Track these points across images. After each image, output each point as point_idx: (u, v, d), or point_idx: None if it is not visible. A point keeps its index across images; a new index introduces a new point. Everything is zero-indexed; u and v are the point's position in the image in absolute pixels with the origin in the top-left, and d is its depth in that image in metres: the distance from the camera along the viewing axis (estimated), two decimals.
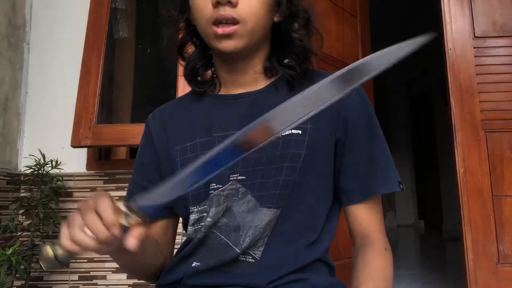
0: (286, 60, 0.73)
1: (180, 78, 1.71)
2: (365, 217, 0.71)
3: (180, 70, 1.71)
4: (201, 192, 0.69)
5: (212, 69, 0.79)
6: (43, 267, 0.54)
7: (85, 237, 0.51)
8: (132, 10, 2.19)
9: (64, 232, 0.52)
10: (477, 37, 1.97)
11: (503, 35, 1.96)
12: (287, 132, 0.67)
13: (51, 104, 2.06)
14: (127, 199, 0.79)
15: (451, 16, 1.99)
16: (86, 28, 1.88)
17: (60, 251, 0.53)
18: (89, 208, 0.51)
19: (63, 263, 0.54)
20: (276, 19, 0.72)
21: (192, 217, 0.70)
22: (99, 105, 1.79)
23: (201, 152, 0.71)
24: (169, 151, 0.75)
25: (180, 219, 0.79)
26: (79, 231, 0.51)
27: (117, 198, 0.57)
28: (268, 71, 0.74)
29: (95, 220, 0.50)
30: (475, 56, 1.95)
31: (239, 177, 0.68)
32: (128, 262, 0.70)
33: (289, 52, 0.73)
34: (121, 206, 0.53)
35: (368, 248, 0.68)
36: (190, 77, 0.77)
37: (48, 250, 0.53)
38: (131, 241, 0.52)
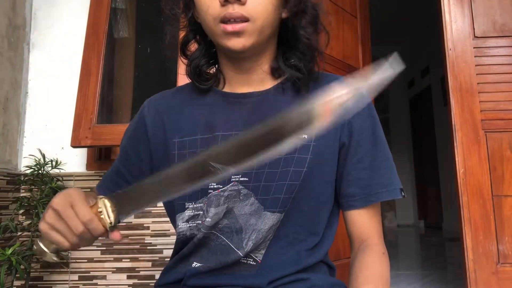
0: (292, 60, 0.72)
1: (180, 77, 1.71)
2: (365, 222, 0.71)
3: (181, 69, 1.70)
4: (198, 189, 0.68)
5: (216, 66, 0.77)
6: (47, 260, 0.60)
7: (70, 234, 0.55)
8: (132, 10, 2.19)
9: (45, 225, 0.56)
10: (477, 37, 1.97)
11: (503, 35, 1.96)
12: None
13: (51, 104, 2.06)
14: (103, 183, 0.81)
15: (451, 16, 1.99)
16: (86, 28, 1.88)
17: (52, 247, 0.58)
18: (66, 205, 0.55)
19: (57, 254, 0.59)
20: (284, 15, 0.69)
21: (187, 213, 0.69)
22: (99, 105, 1.79)
23: (201, 150, 0.69)
24: (166, 143, 0.73)
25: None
26: (63, 228, 0.55)
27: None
28: (275, 72, 0.72)
29: (72, 216, 0.54)
30: (475, 56, 1.95)
31: (241, 179, 0.67)
32: None
33: (295, 50, 0.71)
34: (101, 200, 0.56)
35: (367, 252, 0.68)
36: (194, 75, 0.75)
37: (40, 245, 0.58)
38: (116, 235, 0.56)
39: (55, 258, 0.58)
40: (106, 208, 0.55)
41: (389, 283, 0.66)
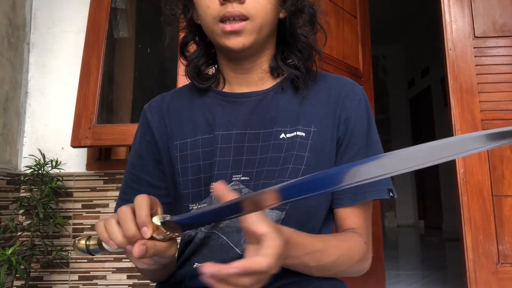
0: (291, 59, 0.72)
1: (180, 77, 1.71)
2: (353, 220, 0.71)
3: (180, 69, 1.70)
4: (201, 190, 0.68)
5: (215, 66, 0.77)
6: (76, 254, 0.59)
7: (116, 229, 0.51)
8: (132, 10, 2.19)
9: (100, 223, 0.53)
10: (477, 37, 1.97)
11: (503, 35, 1.96)
12: (292, 134, 0.68)
13: (51, 104, 2.06)
14: (124, 193, 0.76)
15: (451, 16, 1.99)
16: (86, 28, 1.88)
17: (92, 243, 0.56)
18: (128, 208, 0.52)
19: (92, 254, 0.57)
20: (281, 15, 0.70)
21: None
22: (99, 105, 1.79)
23: (202, 150, 0.70)
24: (168, 145, 0.73)
25: None
26: (113, 224, 0.52)
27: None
28: (274, 71, 0.73)
29: (129, 216, 0.51)
30: (475, 56, 1.95)
31: (242, 178, 0.67)
32: (149, 271, 0.68)
33: (293, 49, 0.72)
34: (155, 219, 0.53)
35: (350, 232, 0.69)
36: (193, 75, 0.75)
37: (81, 241, 0.57)
38: (137, 248, 0.50)
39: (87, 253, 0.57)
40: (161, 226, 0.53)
41: (353, 262, 0.66)
